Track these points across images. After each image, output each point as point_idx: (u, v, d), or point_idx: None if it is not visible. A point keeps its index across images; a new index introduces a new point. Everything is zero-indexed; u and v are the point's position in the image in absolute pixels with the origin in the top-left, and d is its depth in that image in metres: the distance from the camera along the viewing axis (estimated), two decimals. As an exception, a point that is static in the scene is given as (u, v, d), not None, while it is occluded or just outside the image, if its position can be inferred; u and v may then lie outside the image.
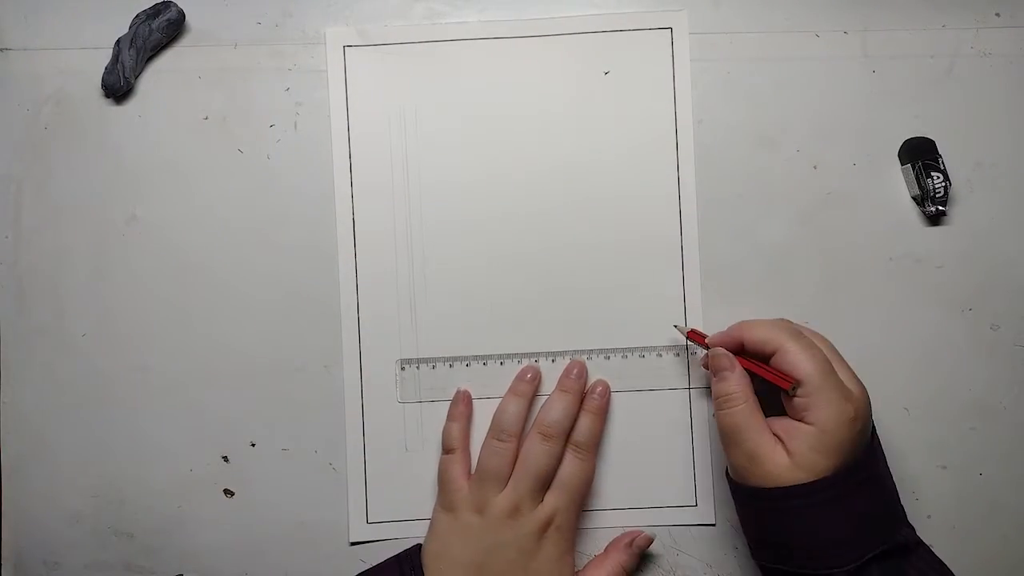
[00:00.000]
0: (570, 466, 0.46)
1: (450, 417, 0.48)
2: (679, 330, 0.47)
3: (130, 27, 0.48)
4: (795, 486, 0.39)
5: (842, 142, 0.50)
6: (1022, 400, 0.49)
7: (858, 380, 0.43)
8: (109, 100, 0.49)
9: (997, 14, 0.50)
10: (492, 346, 0.49)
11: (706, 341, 0.46)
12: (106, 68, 0.48)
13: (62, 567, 0.48)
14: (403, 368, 0.49)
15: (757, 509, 0.42)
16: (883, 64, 0.50)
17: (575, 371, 0.47)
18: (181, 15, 0.49)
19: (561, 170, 0.49)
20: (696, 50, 0.50)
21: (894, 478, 0.44)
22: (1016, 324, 0.49)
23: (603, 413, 0.48)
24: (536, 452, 0.45)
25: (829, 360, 0.42)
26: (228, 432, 0.49)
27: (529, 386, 0.48)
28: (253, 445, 0.49)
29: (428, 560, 0.45)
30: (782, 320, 0.45)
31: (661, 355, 0.49)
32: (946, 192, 0.48)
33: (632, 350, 0.49)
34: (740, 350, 0.44)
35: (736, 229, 0.49)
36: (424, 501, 0.48)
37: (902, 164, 0.50)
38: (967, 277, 0.50)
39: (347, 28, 0.50)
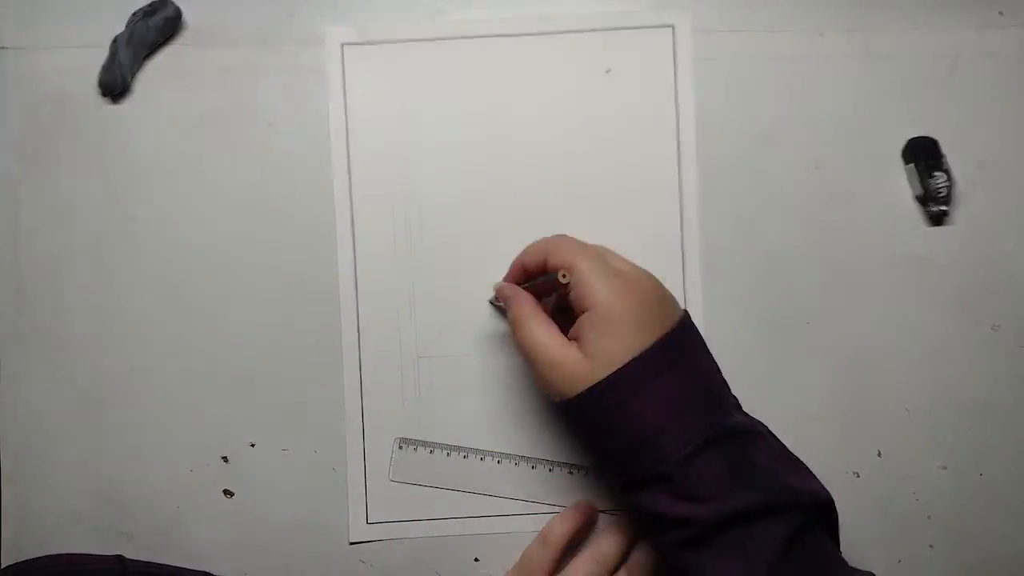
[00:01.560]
0: None
1: (564, 518, 0.47)
2: (497, 287, 0.47)
3: (127, 25, 0.48)
4: (598, 383, 0.39)
5: (844, 141, 0.49)
6: (1022, 400, 0.49)
7: (632, 263, 0.43)
8: (106, 99, 0.49)
9: (1000, 13, 0.50)
10: (494, 345, 0.49)
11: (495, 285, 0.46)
12: (103, 67, 0.48)
13: (63, 566, 0.48)
14: (400, 447, 0.49)
15: (579, 422, 0.41)
16: (886, 63, 0.50)
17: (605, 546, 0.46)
18: (178, 13, 0.48)
19: (562, 169, 0.49)
20: (698, 48, 0.49)
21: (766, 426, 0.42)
22: (1017, 324, 0.49)
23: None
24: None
25: (599, 252, 0.42)
26: (228, 432, 0.49)
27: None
28: (253, 445, 0.49)
29: None
30: (558, 235, 0.45)
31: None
32: (949, 192, 0.48)
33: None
34: (530, 277, 0.45)
35: (738, 228, 0.49)
36: (424, 501, 0.48)
37: (905, 164, 0.49)
38: (969, 277, 0.49)
39: (346, 27, 0.49)
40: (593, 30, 0.49)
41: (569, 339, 0.41)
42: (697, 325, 0.48)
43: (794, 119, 0.49)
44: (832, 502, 0.40)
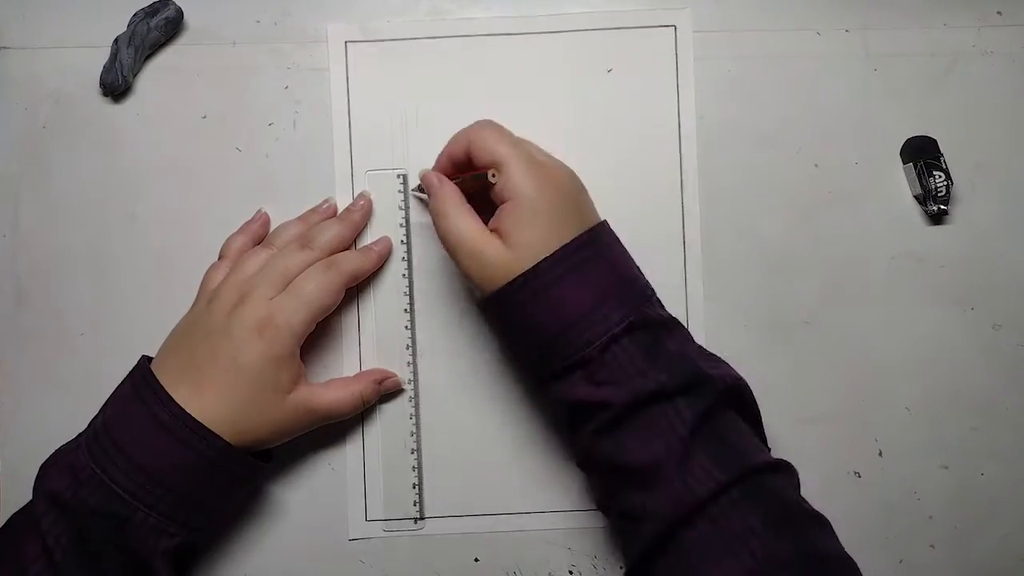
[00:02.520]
0: (309, 273, 0.44)
1: (240, 230, 0.48)
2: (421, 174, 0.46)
3: (128, 25, 0.48)
4: (522, 273, 0.39)
5: (844, 141, 0.50)
6: (1022, 400, 0.49)
7: (557, 160, 0.43)
8: (107, 99, 0.49)
9: (999, 12, 0.50)
10: (494, 341, 0.49)
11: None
12: (104, 67, 0.48)
13: (62, 567, 0.48)
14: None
15: (503, 313, 0.41)
16: (885, 62, 0.50)
17: (360, 203, 0.48)
18: (180, 13, 0.49)
19: (562, 169, 0.49)
20: (699, 48, 0.49)
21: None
22: (1017, 324, 0.49)
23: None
24: (285, 255, 0.44)
25: (523, 143, 0.42)
26: (228, 432, 0.49)
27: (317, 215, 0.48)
28: (253, 445, 0.49)
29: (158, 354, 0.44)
30: (482, 121, 0.44)
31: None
32: (948, 191, 0.48)
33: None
34: (456, 167, 0.44)
35: (738, 227, 0.49)
36: (425, 499, 0.48)
37: (904, 163, 0.49)
38: (968, 276, 0.50)
39: (349, 24, 0.49)
40: (595, 30, 0.49)
41: (490, 230, 0.41)
42: (697, 325, 0.49)
43: (794, 119, 0.50)
44: (744, 384, 0.41)
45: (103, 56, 0.49)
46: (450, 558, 0.48)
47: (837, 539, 0.38)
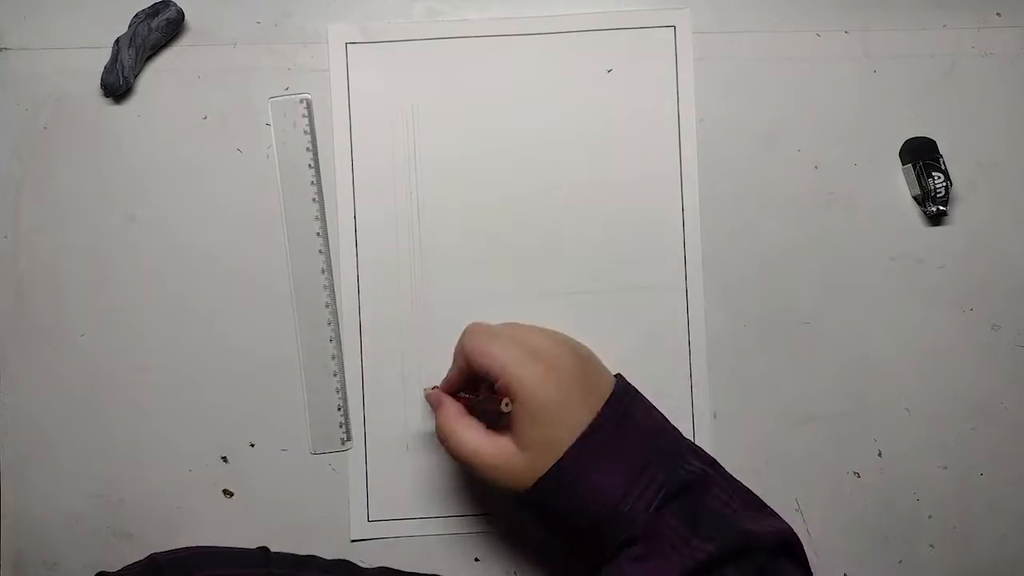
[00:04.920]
0: None
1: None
2: (426, 393, 0.46)
3: (129, 26, 0.48)
4: (548, 471, 0.38)
5: (843, 142, 0.50)
6: (1022, 400, 0.49)
7: (551, 336, 0.41)
8: (108, 100, 0.49)
9: (998, 14, 0.50)
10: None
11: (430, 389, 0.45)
12: (105, 67, 0.48)
13: (62, 567, 0.48)
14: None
15: (542, 513, 0.40)
16: (884, 64, 0.50)
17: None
18: (180, 14, 0.49)
19: (563, 168, 0.49)
20: (699, 49, 0.50)
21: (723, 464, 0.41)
22: (1017, 324, 0.49)
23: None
24: None
25: (513, 335, 0.41)
26: (228, 432, 0.49)
27: None
28: (253, 445, 0.49)
29: None
30: (469, 329, 0.43)
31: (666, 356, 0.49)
32: (947, 192, 0.48)
33: (637, 350, 0.49)
34: (471, 378, 0.43)
35: (737, 228, 0.49)
36: (425, 499, 0.48)
37: (903, 164, 0.50)
38: (968, 277, 0.50)
39: (349, 25, 0.49)
40: (594, 30, 0.49)
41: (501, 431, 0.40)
42: (697, 325, 0.49)
43: (794, 119, 0.50)
44: (792, 534, 0.40)
45: (104, 57, 0.49)
46: (450, 558, 0.48)
47: None
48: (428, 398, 0.45)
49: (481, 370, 0.41)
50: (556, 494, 0.39)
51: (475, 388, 0.44)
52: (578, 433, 0.38)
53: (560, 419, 0.39)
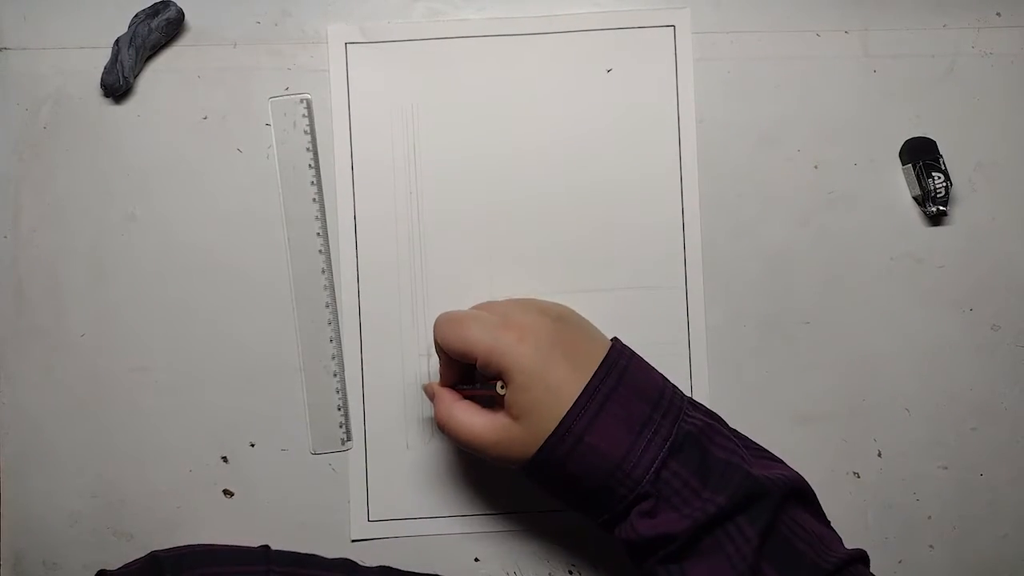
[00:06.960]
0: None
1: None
2: (425, 389, 0.46)
3: (129, 26, 0.48)
4: (544, 444, 0.38)
5: (843, 142, 0.50)
6: (1022, 400, 0.49)
7: (522, 303, 0.42)
8: (108, 100, 0.49)
9: (998, 14, 0.50)
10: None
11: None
12: (105, 67, 0.48)
13: (61, 567, 0.48)
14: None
15: (548, 479, 0.40)
16: (884, 64, 0.50)
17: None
18: (180, 14, 0.49)
19: (563, 168, 0.49)
20: (698, 48, 0.50)
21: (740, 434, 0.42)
22: (1016, 324, 0.49)
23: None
24: None
25: (480, 314, 0.41)
26: (228, 432, 0.49)
27: None
28: (253, 445, 0.49)
29: None
30: (438, 320, 0.43)
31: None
32: (947, 192, 0.48)
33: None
34: (461, 369, 0.44)
35: (737, 228, 0.49)
36: (426, 499, 0.48)
37: (903, 164, 0.50)
38: (968, 277, 0.50)
39: (349, 26, 0.49)
40: (594, 30, 0.49)
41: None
42: (697, 325, 0.49)
43: (794, 119, 0.50)
44: (802, 480, 0.40)
45: (104, 57, 0.49)
46: (450, 558, 0.48)
47: None
48: (425, 390, 0.46)
49: (458, 355, 0.41)
50: (559, 459, 0.39)
51: (470, 378, 0.45)
52: (574, 396, 0.38)
53: (546, 381, 0.39)
